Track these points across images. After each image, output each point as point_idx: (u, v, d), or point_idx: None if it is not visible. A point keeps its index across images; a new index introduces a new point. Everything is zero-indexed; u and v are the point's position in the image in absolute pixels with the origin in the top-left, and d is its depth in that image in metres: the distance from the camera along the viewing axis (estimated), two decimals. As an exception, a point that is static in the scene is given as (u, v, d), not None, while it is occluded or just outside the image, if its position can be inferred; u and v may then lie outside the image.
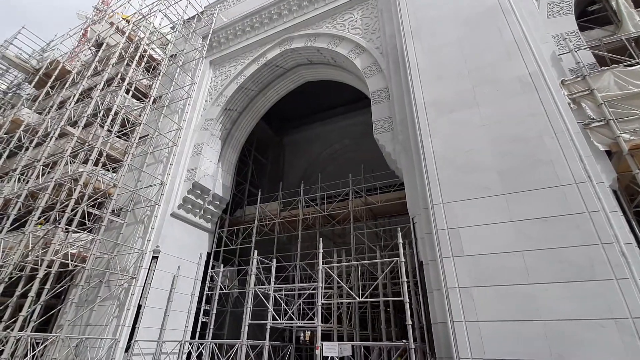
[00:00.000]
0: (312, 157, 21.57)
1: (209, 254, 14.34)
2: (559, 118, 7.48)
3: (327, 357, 7.75)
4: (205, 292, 13.06)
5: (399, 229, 8.48)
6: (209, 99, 15.50)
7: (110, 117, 12.00)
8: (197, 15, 17.24)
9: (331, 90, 19.20)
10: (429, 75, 9.49)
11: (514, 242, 6.74)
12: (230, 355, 9.51)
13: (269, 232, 15.13)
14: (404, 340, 7.12)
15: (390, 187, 14.34)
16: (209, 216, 14.58)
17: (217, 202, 14.62)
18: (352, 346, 7.98)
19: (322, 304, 8.41)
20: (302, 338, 19.63)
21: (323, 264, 8.68)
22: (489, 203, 7.29)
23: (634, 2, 8.87)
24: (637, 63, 7.60)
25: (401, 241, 7.98)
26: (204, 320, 12.47)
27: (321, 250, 8.79)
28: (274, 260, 10.76)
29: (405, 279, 7.55)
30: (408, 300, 7.34)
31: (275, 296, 9.94)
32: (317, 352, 7.76)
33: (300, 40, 14.19)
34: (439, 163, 8.22)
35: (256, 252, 10.18)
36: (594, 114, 7.47)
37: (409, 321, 7.12)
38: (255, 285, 9.83)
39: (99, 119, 12.39)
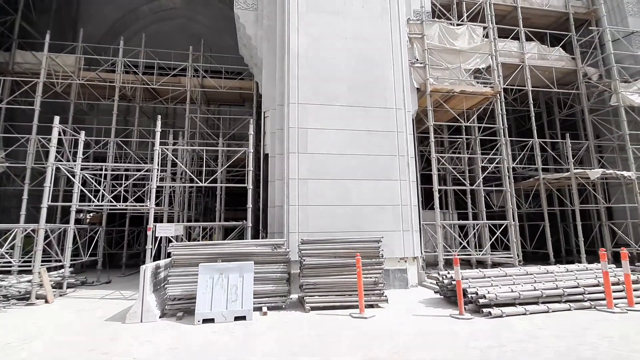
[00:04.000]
0: (128, 8, 16.49)
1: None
2: (399, 52, 8.95)
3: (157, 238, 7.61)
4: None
5: (251, 120, 8.46)
6: None
7: None
8: None
9: None
10: (307, -39, 8.78)
11: (346, 147, 8.23)
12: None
13: (62, 94, 11.40)
14: (243, 220, 7.86)
15: (230, 73, 13.44)
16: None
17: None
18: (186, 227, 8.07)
19: (156, 187, 7.76)
20: (88, 219, 17.41)
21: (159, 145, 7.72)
22: (336, 111, 8.34)
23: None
24: (455, 24, 9.82)
25: (252, 133, 8.09)
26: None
27: (159, 129, 7.68)
28: (82, 133, 8.55)
29: (251, 169, 7.97)
30: (251, 187, 7.91)
31: (84, 176, 8.19)
32: (149, 233, 7.42)
33: None
34: (301, 62, 8.36)
35: (57, 118, 7.63)
36: (419, 57, 9.42)
37: (249, 204, 7.81)
38: (56, 160, 7.64)
39: None
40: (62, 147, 9.11)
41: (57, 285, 7.70)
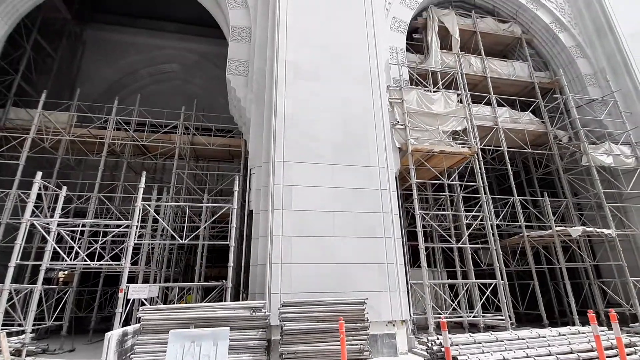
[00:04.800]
0: (127, 70, 17.46)
1: None
2: (380, 114, 9.51)
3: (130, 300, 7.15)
4: None
5: (237, 176, 8.57)
6: None
7: None
8: None
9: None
10: (296, 36, 9.67)
11: (331, 204, 8.29)
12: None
13: (49, 149, 11.47)
14: (223, 281, 7.52)
15: (220, 131, 13.89)
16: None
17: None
18: (163, 288, 7.66)
19: (133, 245, 7.50)
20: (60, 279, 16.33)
21: (142, 200, 7.64)
22: (321, 169, 8.54)
23: (441, 43, 12.17)
24: (431, 91, 10.63)
25: (237, 189, 8.14)
26: None
27: (142, 185, 7.67)
28: (64, 188, 8.46)
29: (235, 225, 7.86)
30: (234, 244, 7.72)
31: (61, 232, 7.91)
32: (121, 295, 6.99)
33: None
34: (287, 123, 8.75)
35: (39, 173, 7.58)
36: (399, 119, 9.99)
37: (231, 263, 7.54)
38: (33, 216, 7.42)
39: None
40: (42, 202, 8.92)
41: (17, 353, 6.97)
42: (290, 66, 9.27)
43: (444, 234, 10.61)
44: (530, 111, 12.64)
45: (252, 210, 8.55)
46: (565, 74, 13.23)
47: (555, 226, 10.25)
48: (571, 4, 14.41)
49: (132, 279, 8.03)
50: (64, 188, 8.48)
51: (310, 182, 8.36)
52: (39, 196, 7.96)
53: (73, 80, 15.95)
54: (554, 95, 13.00)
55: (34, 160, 11.19)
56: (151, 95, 16.45)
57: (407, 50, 11.74)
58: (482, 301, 9.55)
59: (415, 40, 12.70)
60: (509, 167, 11.38)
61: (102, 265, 7.66)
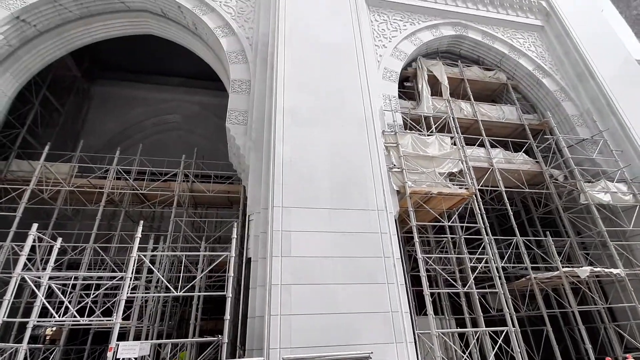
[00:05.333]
0: (131, 122, 18.09)
1: None
2: (377, 158, 9.68)
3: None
4: None
5: (235, 223, 8.47)
6: (-9, -6, 10.46)
7: None
8: None
9: (172, 55, 16.94)
10: (292, 85, 10.16)
11: (331, 249, 8.12)
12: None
13: (48, 199, 11.47)
14: (218, 335, 7.09)
15: (220, 178, 14.01)
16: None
17: (-35, 145, 9.88)
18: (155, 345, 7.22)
19: (126, 298, 7.18)
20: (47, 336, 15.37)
21: (138, 250, 7.47)
22: (319, 213, 8.49)
23: (432, 89, 12.78)
24: (425, 135, 10.94)
25: (235, 236, 8.00)
26: None
27: (139, 234, 7.55)
28: (59, 240, 8.30)
29: (232, 274, 7.60)
30: (230, 295, 7.40)
31: (52, 286, 7.62)
32: (110, 354, 6.56)
33: (161, -14, 11.96)
34: (285, 169, 8.87)
35: (35, 225, 7.49)
36: (396, 162, 10.15)
37: (227, 316, 7.17)
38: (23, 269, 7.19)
39: None
40: (35, 255, 8.72)
41: None
42: (288, 113, 9.62)
43: (449, 278, 10.27)
44: (523, 151, 12.91)
45: (250, 258, 8.34)
46: (553, 116, 13.73)
47: (562, 267, 9.97)
48: (550, 52, 15.38)
49: (123, 335, 7.60)
50: (59, 239, 8.32)
51: (309, 227, 8.26)
52: (32, 248, 7.79)
53: (77, 133, 16.44)
54: (545, 136, 13.36)
55: (31, 211, 11.13)
56: (153, 145, 16.82)
57: (400, 97, 12.29)
58: (494, 351, 8.97)
59: (407, 88, 13.35)
60: (509, 207, 11.36)
61: (92, 321, 7.27)
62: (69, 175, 11.84)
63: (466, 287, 9.62)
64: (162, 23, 12.88)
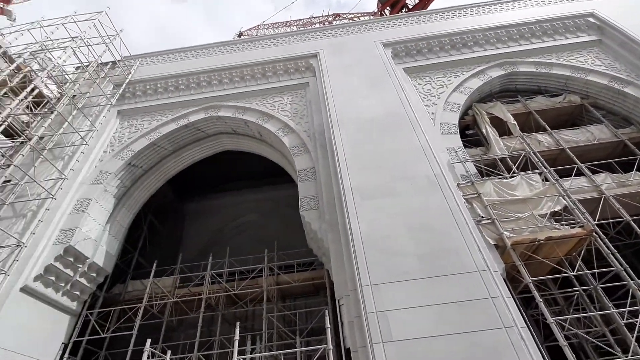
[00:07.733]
0: (214, 229, 19.99)
1: (65, 346, 10.75)
2: (459, 213, 8.93)
3: None
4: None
5: (327, 311, 8.09)
6: (110, 150, 13.52)
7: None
8: (112, 62, 15.95)
9: (243, 162, 19.13)
10: (354, 164, 10.46)
11: (435, 326, 7.09)
12: None
13: (157, 314, 12.49)
14: None
15: (302, 265, 14.05)
16: (77, 292, 11.36)
17: (94, 275, 11.67)
18: None
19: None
20: None
21: (238, 354, 7.40)
22: (412, 286, 7.72)
23: (498, 131, 12.11)
24: (507, 177, 10.00)
25: (329, 325, 7.55)
26: None
27: (237, 337, 7.58)
28: (169, 353, 8.70)
29: (333, 370, 6.97)
30: (336, 395, 6.67)
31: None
32: None
33: (228, 110, 14.30)
34: (365, 245, 8.57)
35: (149, 341, 8.07)
36: (483, 213, 9.22)
37: (337, 422, 6.36)
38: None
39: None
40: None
41: None
42: (356, 190, 9.69)
43: (600, 343, 8.05)
44: (636, 169, 10.87)
45: (349, 349, 7.66)
46: (655, 122, 11.72)
47: None
48: (621, 60, 13.88)
49: None
50: (169, 352, 8.74)
51: (404, 303, 7.47)
52: (146, 365, 8.23)
53: (176, 247, 18.54)
54: (656, 147, 11.25)
55: (143, 327, 12.13)
56: (236, 246, 18.07)
57: (465, 146, 11.77)
58: None
59: (469, 136, 12.85)
60: (646, 239, 9.14)
61: None
62: (173, 287, 12.99)
63: (630, 354, 7.36)
64: (233, 139, 14.99)
